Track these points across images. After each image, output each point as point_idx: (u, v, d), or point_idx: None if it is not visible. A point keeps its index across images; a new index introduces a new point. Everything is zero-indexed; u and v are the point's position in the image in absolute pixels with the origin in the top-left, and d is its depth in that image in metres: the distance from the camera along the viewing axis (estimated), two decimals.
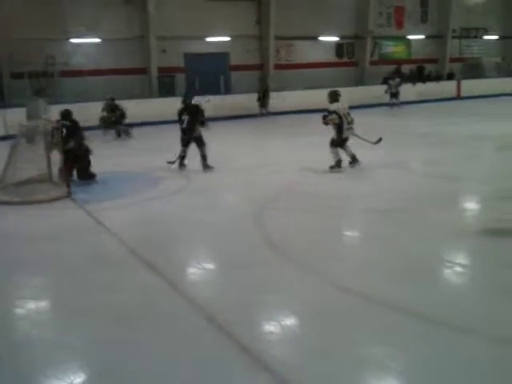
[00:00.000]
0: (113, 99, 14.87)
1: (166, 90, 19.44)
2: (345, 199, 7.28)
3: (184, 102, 9.56)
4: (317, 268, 4.66)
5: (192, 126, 9.20)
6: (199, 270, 4.98)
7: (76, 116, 8.97)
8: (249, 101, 19.03)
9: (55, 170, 8.36)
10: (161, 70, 19.98)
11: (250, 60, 21.92)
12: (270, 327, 3.69)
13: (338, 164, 8.80)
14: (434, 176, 8.33)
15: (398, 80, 20.80)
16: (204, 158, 9.32)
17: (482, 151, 10.73)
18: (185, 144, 9.40)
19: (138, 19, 19.49)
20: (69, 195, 7.77)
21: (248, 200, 7.35)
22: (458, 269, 4.70)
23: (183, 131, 9.34)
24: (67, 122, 8.59)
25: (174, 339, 3.55)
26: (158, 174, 9.37)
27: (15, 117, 12.77)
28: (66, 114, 8.75)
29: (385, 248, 5.17)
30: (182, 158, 9.47)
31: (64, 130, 8.42)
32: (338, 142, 8.75)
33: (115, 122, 14.67)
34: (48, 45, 17.90)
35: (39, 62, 17.70)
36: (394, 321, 3.67)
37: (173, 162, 9.60)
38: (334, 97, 8.82)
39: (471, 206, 7.24)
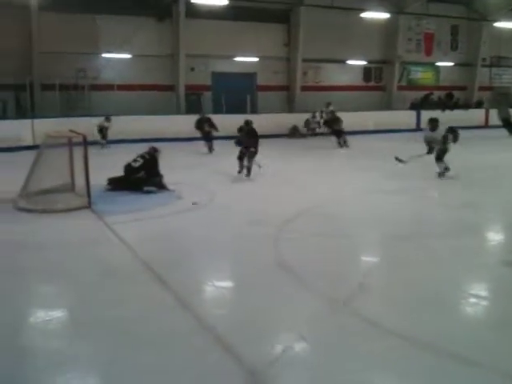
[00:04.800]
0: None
1: (193, 107, 19.55)
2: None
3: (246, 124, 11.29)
4: None
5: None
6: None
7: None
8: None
9: (79, 180, 8.41)
10: (188, 87, 20.22)
11: (277, 81, 22.06)
12: (278, 350, 3.66)
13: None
14: (454, 205, 8.18)
15: None
16: (249, 168, 10.94)
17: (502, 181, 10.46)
18: (240, 157, 10.93)
19: (169, 37, 19.81)
20: (89, 206, 7.86)
21: None
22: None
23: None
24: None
25: (177, 356, 3.53)
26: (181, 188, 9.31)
27: (43, 127, 13.04)
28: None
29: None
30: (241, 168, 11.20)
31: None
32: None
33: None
34: (79, 58, 18.28)
35: (70, 75, 18.07)
36: (397, 348, 3.61)
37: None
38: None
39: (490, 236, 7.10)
